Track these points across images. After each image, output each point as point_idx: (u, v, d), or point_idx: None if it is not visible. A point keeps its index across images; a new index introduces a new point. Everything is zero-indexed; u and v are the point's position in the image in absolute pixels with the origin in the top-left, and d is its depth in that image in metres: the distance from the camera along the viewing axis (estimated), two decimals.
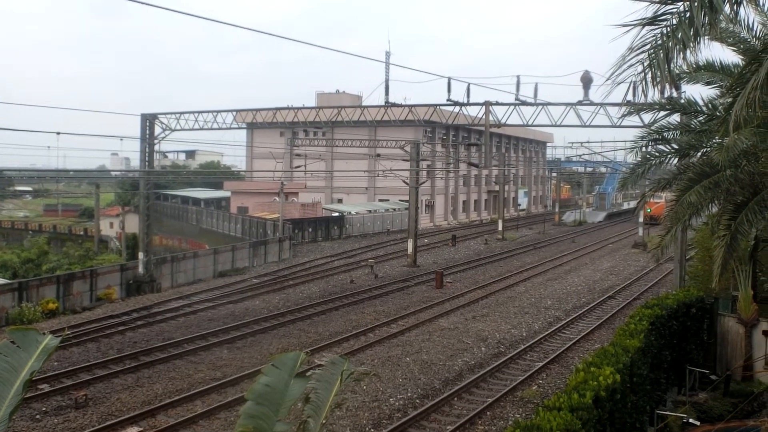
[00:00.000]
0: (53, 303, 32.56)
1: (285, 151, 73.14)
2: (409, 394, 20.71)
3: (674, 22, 8.85)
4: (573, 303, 35.09)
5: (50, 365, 22.96)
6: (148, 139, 41.29)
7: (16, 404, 4.99)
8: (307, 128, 71.96)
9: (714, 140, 18.70)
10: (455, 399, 20.38)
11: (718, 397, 18.87)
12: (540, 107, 36.51)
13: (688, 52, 8.92)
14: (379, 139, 62.65)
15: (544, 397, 19.92)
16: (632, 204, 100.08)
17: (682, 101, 21.05)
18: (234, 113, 44.14)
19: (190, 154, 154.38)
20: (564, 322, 30.40)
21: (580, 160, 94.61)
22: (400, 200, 73.63)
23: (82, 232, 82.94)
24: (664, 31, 8.95)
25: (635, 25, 8.80)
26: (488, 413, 19.26)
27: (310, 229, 61.22)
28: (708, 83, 19.43)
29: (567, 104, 36.09)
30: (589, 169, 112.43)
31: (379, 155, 67.72)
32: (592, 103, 35.28)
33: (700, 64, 18.60)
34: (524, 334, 28.44)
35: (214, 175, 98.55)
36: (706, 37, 9.15)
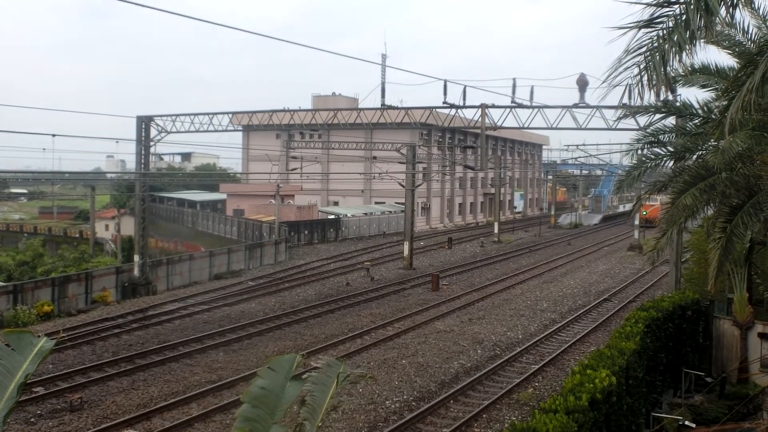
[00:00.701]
0: (48, 305, 32.47)
1: (281, 154, 73.13)
2: (405, 397, 20.70)
3: (670, 24, 8.86)
4: (569, 305, 35.12)
5: (45, 368, 22.90)
6: (143, 141, 41.27)
7: (11, 407, 4.97)
8: (303, 131, 71.85)
9: (709, 143, 18.76)
10: (451, 401, 20.37)
11: (714, 399, 18.88)
12: (536, 110, 36.58)
13: (684, 54, 8.94)
14: (375, 142, 62.67)
15: (540, 399, 19.91)
16: (628, 207, 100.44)
17: (678, 104, 21.10)
18: (230, 115, 44.17)
19: (186, 156, 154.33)
20: (560, 324, 30.42)
21: (576, 162, 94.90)
22: (396, 203, 73.63)
23: (77, 235, 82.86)
24: (660, 34, 8.96)
25: (631, 28, 8.81)
26: (484, 416, 19.26)
27: (306, 232, 61.19)
28: (704, 86, 19.46)
29: (563, 107, 36.14)
30: (584, 172, 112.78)
31: (375, 158, 67.77)
32: (588, 106, 35.32)
33: (696, 67, 18.64)
34: (520, 337, 28.45)
35: (210, 177, 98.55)
36: (702, 40, 9.16)
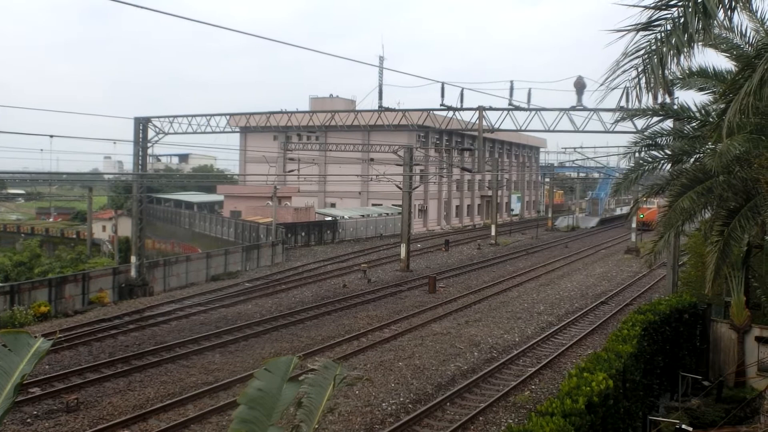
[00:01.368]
0: (45, 306, 32.43)
1: (278, 155, 73.10)
2: (401, 399, 20.68)
3: (668, 27, 8.87)
4: (566, 308, 35.12)
5: (42, 369, 22.87)
6: (141, 142, 41.24)
7: (7, 408, 4.94)
8: (300, 132, 71.87)
9: (707, 146, 18.77)
10: (448, 404, 20.36)
11: (711, 403, 18.88)
12: (533, 112, 36.61)
13: (681, 57, 8.95)
14: (373, 144, 62.68)
15: (536, 402, 19.91)
16: (625, 209, 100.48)
17: (676, 107, 21.12)
18: (227, 117, 44.12)
19: (184, 157, 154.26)
20: (557, 327, 30.42)
21: (574, 165, 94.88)
22: (393, 205, 73.66)
23: (74, 236, 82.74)
24: (658, 37, 8.97)
25: (629, 31, 8.81)
26: (481, 418, 19.24)
27: (303, 234, 61.17)
28: (701, 89, 19.48)
29: (560, 109, 36.19)
30: (582, 175, 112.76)
31: (372, 160, 67.83)
32: (585, 109, 35.37)
33: (694, 70, 18.65)
34: (517, 339, 28.44)
35: (207, 178, 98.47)
36: (700, 43, 9.19)
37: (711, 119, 18.38)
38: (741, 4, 8.77)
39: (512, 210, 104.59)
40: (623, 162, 26.63)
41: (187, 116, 42.71)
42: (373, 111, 44.03)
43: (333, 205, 79.22)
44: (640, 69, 9.07)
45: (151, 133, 41.72)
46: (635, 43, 8.95)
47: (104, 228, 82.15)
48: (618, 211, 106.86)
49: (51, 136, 34.78)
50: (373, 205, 77.98)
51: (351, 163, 70.80)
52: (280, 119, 49.80)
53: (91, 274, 37.77)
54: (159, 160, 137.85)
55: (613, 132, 35.42)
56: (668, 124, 21.85)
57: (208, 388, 21.28)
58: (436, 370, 23.74)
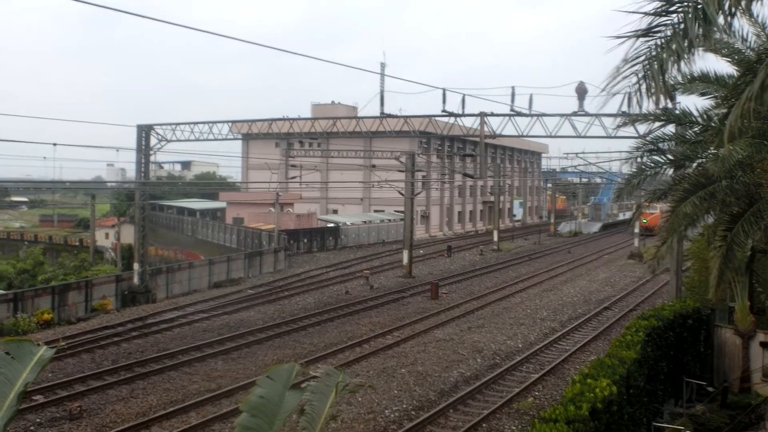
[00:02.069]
0: (48, 314, 32.45)
1: (280, 162, 73.21)
2: (404, 406, 20.65)
3: (668, 33, 8.87)
4: (569, 314, 35.06)
5: (45, 376, 22.86)
6: (144, 150, 41.32)
7: (11, 416, 4.95)
8: (302, 139, 72.12)
9: (709, 151, 18.74)
10: (451, 411, 20.31)
11: (716, 409, 18.82)
12: (535, 118, 36.65)
13: (682, 63, 8.94)
14: (375, 150, 62.74)
15: (540, 409, 19.86)
16: (628, 215, 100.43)
17: (677, 112, 21.11)
18: (230, 124, 44.22)
19: (186, 164, 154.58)
20: (560, 333, 30.36)
21: (576, 170, 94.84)
22: (395, 211, 73.67)
23: (77, 243, 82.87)
24: (659, 43, 8.97)
25: (630, 37, 8.82)
26: (484, 425, 19.20)
27: (306, 240, 61.17)
28: (703, 94, 19.48)
29: (562, 115, 36.22)
30: (584, 180, 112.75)
31: (374, 166, 67.84)
32: (587, 114, 35.38)
33: (695, 75, 18.66)
34: (520, 346, 28.39)
35: (210, 185, 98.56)
36: (701, 49, 9.17)
37: (713, 124, 18.36)
38: (741, 9, 8.78)
39: (514, 215, 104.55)
40: (625, 167, 26.65)
41: (189, 123, 42.84)
42: (375, 117, 44.08)
43: (335, 212, 79.26)
44: (640, 75, 9.07)
45: (153, 141, 41.82)
46: (635, 49, 8.95)
47: (107, 235, 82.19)
48: (621, 216, 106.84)
49: (54, 144, 34.96)
50: (375, 211, 77.99)
51: (353, 169, 70.83)
52: (282, 126, 49.87)
53: (94, 281, 37.80)
54: (162, 168, 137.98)
55: (615, 137, 35.45)
56: (670, 129, 21.83)
57: (211, 396, 21.25)
58: (438, 376, 23.70)
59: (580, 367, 20.87)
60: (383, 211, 77.11)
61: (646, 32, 8.89)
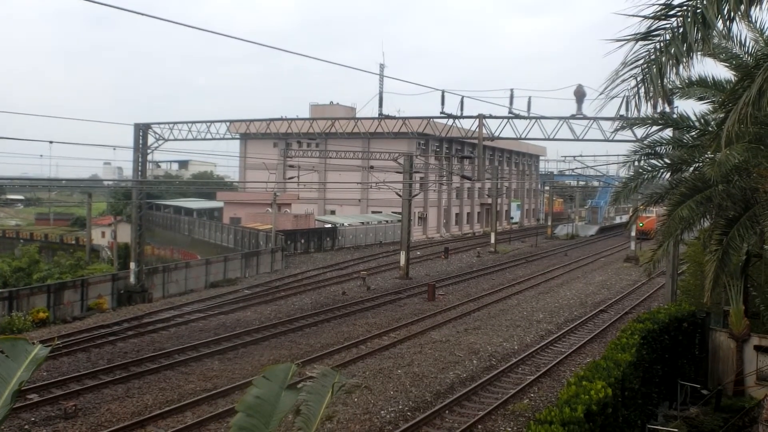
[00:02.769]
0: (44, 312, 32.38)
1: (278, 162, 73.19)
2: (400, 407, 20.65)
3: (667, 37, 8.90)
4: (565, 316, 35.09)
5: (40, 375, 22.82)
6: (141, 148, 41.25)
7: (5, 414, 4.94)
8: (300, 139, 72.10)
9: (706, 155, 18.80)
10: (446, 412, 20.32)
11: (710, 412, 18.85)
12: (533, 121, 36.65)
13: (681, 67, 8.98)
14: (373, 151, 62.78)
15: (535, 410, 19.88)
16: (624, 218, 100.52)
17: (675, 116, 21.15)
18: (227, 124, 44.16)
19: (183, 164, 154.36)
20: (556, 335, 30.39)
21: (573, 173, 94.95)
22: (393, 212, 73.70)
23: (73, 242, 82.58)
24: (657, 47, 9.00)
25: (629, 40, 8.85)
26: (479, 426, 19.21)
27: (303, 241, 61.15)
28: (700, 98, 19.52)
29: (560, 118, 36.23)
30: (581, 183, 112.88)
31: (372, 167, 67.83)
32: (585, 117, 35.40)
33: (693, 79, 18.70)
34: (516, 348, 28.41)
35: (207, 185, 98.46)
36: (699, 53, 9.20)
37: (710, 128, 18.41)
38: (740, 14, 8.80)
39: (512, 218, 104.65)
40: (623, 171, 26.70)
41: (187, 122, 42.77)
42: (374, 118, 44.05)
43: (333, 213, 79.25)
44: (639, 78, 9.10)
45: (151, 140, 41.74)
46: (634, 52, 8.98)
47: (103, 234, 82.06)
48: (617, 220, 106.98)
49: (50, 142, 34.84)
50: (373, 212, 78.01)
51: (351, 170, 70.84)
52: (280, 126, 49.84)
53: (90, 280, 37.73)
54: (159, 167, 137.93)
55: (612, 141, 35.48)
56: (668, 133, 21.89)
57: (207, 395, 21.24)
58: (435, 377, 23.71)
59: (576, 370, 20.87)
60: (381, 212, 77.14)
61: (645, 36, 8.92)
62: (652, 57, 9.02)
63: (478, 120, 37.20)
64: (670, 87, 16.33)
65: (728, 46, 17.48)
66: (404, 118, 44.61)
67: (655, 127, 21.62)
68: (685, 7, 8.68)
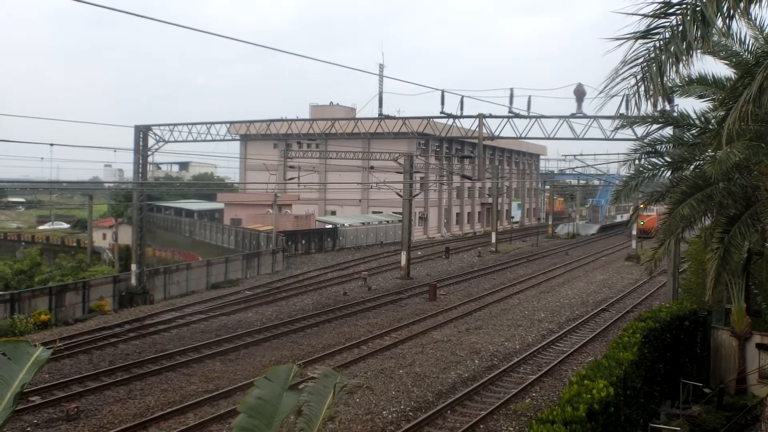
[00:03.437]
0: (45, 315, 32.40)
1: (278, 163, 73.19)
2: (402, 407, 20.64)
3: (667, 35, 8.89)
4: (566, 316, 35.08)
5: (42, 377, 22.83)
6: (141, 150, 41.27)
7: (7, 417, 4.94)
8: (300, 140, 72.11)
9: (707, 153, 18.78)
10: (448, 412, 20.32)
11: (712, 410, 18.85)
12: (533, 120, 36.63)
13: (680, 65, 8.97)
14: (373, 152, 62.81)
15: (537, 410, 19.87)
16: (625, 217, 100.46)
17: (675, 114, 21.15)
18: (227, 125, 44.17)
19: (184, 165, 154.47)
20: (557, 334, 30.38)
21: (574, 172, 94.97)
22: (393, 212, 73.68)
23: (74, 244, 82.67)
24: (657, 45, 9.00)
25: (628, 39, 8.84)
26: (481, 426, 19.21)
27: (304, 241, 61.15)
28: (701, 96, 19.50)
29: (560, 117, 36.20)
30: (582, 182, 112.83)
31: (372, 167, 67.84)
32: (585, 116, 35.38)
33: (693, 77, 18.69)
34: (517, 347, 28.40)
35: (208, 186, 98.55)
36: (699, 51, 9.20)
37: (711, 127, 18.41)
38: (739, 12, 8.79)
39: (512, 217, 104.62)
40: (623, 169, 26.67)
41: (187, 124, 42.79)
42: (374, 119, 44.05)
43: (333, 213, 79.25)
44: (639, 77, 9.09)
45: (151, 141, 41.76)
46: (634, 51, 8.98)
47: (104, 236, 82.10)
48: (618, 219, 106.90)
49: (51, 145, 34.72)
50: (374, 212, 78.00)
51: (351, 170, 70.84)
52: (281, 127, 49.89)
53: (92, 282, 37.75)
54: (159, 168, 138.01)
55: (613, 139, 35.41)
56: (668, 131, 21.89)
57: (209, 397, 21.24)
58: (436, 377, 23.71)
59: (578, 369, 20.87)
60: (381, 212, 77.12)
61: (645, 34, 8.92)
62: (652, 55, 9.02)
63: (478, 119, 37.18)
64: (670, 85, 16.33)
65: (728, 43, 17.47)
66: (404, 118, 44.62)
67: (655, 126, 21.64)
68: (684, 5, 8.68)
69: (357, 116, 52.55)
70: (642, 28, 8.82)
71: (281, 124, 48.92)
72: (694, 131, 20.37)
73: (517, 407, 20.75)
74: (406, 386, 22.63)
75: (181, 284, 42.27)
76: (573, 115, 35.68)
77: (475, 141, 42.20)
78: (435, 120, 43.31)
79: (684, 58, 8.83)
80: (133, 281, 39.57)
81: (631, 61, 9.01)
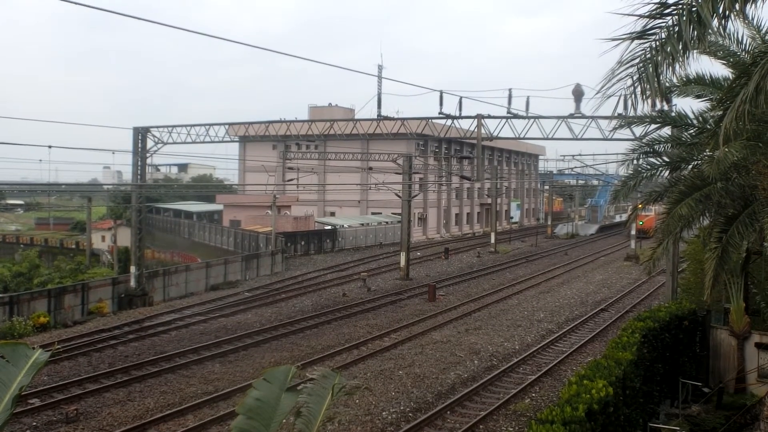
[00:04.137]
0: (44, 317, 32.40)
1: (277, 165, 73.16)
2: (401, 408, 20.65)
3: (663, 36, 8.91)
4: (566, 316, 35.10)
5: (41, 380, 22.83)
6: (140, 152, 41.27)
7: (5, 419, 4.96)
8: (299, 141, 71.99)
9: (705, 153, 18.79)
10: (448, 412, 20.33)
11: (711, 409, 18.87)
12: (532, 120, 36.64)
13: (677, 65, 8.98)
14: (372, 152, 62.77)
15: (536, 410, 19.89)
16: (624, 217, 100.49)
17: (673, 114, 21.17)
18: (226, 126, 44.16)
19: (183, 167, 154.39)
20: (557, 334, 30.39)
21: (572, 172, 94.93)
22: (392, 213, 73.67)
23: (73, 246, 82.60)
24: (653, 45, 9.01)
25: (624, 39, 8.85)
26: (481, 426, 19.22)
27: (303, 242, 61.16)
28: (698, 96, 19.53)
29: (559, 117, 36.22)
30: (581, 182, 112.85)
31: (371, 168, 67.86)
32: (583, 116, 35.39)
33: (691, 77, 18.72)
34: (517, 347, 28.42)
35: (207, 188, 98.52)
36: (696, 51, 9.21)
37: (708, 126, 18.42)
38: (735, 12, 8.81)
39: (512, 218, 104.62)
40: (622, 169, 26.71)
41: (186, 126, 42.77)
42: (372, 120, 44.07)
43: (332, 214, 79.25)
44: (635, 77, 9.10)
45: (150, 143, 41.77)
46: (630, 51, 8.99)
47: (103, 238, 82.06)
48: (617, 218, 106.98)
49: (50, 147, 34.85)
50: (373, 213, 77.99)
51: (350, 171, 70.87)
52: (279, 128, 49.91)
53: (91, 284, 37.74)
54: (158, 170, 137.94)
55: (611, 139, 35.42)
56: (666, 131, 21.90)
57: (208, 398, 21.25)
58: (436, 378, 23.72)
59: (577, 369, 20.88)
60: (380, 213, 77.11)
61: (641, 35, 8.93)
62: (648, 56, 9.03)
63: (476, 120, 37.20)
64: (667, 85, 16.33)
65: (725, 43, 17.50)
66: (403, 119, 44.62)
67: (653, 126, 21.65)
68: (680, 6, 8.69)
69: (356, 117, 52.59)
70: (638, 28, 8.84)
71: (280, 125, 48.91)
72: (692, 131, 20.39)
73: (516, 407, 20.76)
74: (406, 387, 22.64)
75: (181, 286, 42.27)
76: (571, 116, 35.70)
77: (474, 141, 42.23)
78: (434, 121, 43.33)
79: (680, 58, 8.85)
80: (132, 283, 39.56)
81: (628, 62, 9.03)
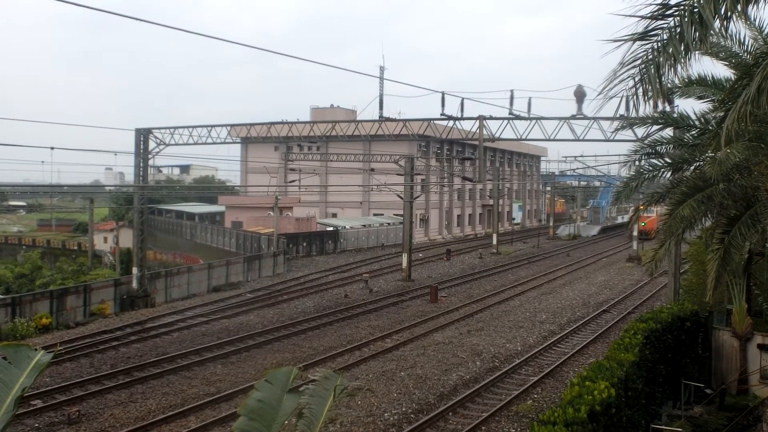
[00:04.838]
0: (47, 318, 32.42)
1: (279, 166, 73.22)
2: (403, 409, 20.65)
3: (665, 37, 8.90)
4: (568, 317, 35.08)
5: (43, 381, 22.85)
6: (142, 153, 41.30)
7: (8, 421, 4.96)
8: (301, 143, 72.06)
9: (707, 154, 18.78)
10: (450, 414, 20.32)
11: (714, 411, 18.85)
12: (534, 121, 36.62)
13: (679, 66, 8.98)
14: (374, 154, 62.76)
15: (538, 411, 19.87)
16: (626, 218, 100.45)
17: (675, 115, 21.14)
18: (228, 128, 44.17)
19: (185, 168, 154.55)
20: (559, 336, 30.38)
21: (574, 174, 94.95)
22: (394, 214, 73.64)
23: (75, 247, 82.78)
24: (655, 46, 9.01)
25: (626, 41, 8.85)
26: (483, 428, 19.21)
27: (305, 244, 61.17)
28: (700, 97, 19.50)
29: (560, 118, 36.20)
30: (583, 183, 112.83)
31: (373, 170, 67.85)
32: (585, 117, 35.37)
33: (693, 78, 18.69)
34: (519, 348, 28.40)
35: (209, 189, 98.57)
36: (697, 52, 9.20)
37: (710, 127, 18.39)
38: (737, 13, 8.80)
39: (513, 219, 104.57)
40: (624, 170, 26.69)
41: (188, 127, 42.79)
42: (374, 121, 44.08)
43: (334, 215, 79.25)
44: (637, 79, 9.10)
45: (152, 144, 41.79)
46: (632, 52, 8.99)
47: (106, 239, 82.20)
48: (619, 220, 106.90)
49: (52, 148, 34.81)
50: (375, 214, 77.98)
51: (352, 173, 70.86)
52: (281, 130, 49.88)
53: (93, 285, 37.75)
54: (160, 171, 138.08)
55: (613, 141, 35.44)
56: (668, 132, 21.88)
57: (210, 399, 21.26)
58: (438, 379, 23.71)
59: (579, 370, 20.87)
60: (382, 214, 77.10)
61: (643, 36, 8.93)
62: (650, 57, 9.03)
63: (478, 121, 37.19)
64: (669, 86, 16.29)
65: (727, 44, 17.47)
66: (405, 120, 44.62)
67: (655, 127, 21.61)
68: (682, 7, 8.69)
69: (357, 118, 52.62)
70: (640, 29, 8.83)
71: (282, 126, 48.93)
72: (694, 132, 20.36)
73: (518, 409, 20.75)
74: (408, 388, 22.63)
75: (183, 287, 42.29)
76: (573, 117, 35.68)
77: (476, 143, 42.23)
78: (435, 122, 43.30)
79: (682, 59, 8.84)
80: (135, 284, 39.58)
81: (629, 63, 9.02)
